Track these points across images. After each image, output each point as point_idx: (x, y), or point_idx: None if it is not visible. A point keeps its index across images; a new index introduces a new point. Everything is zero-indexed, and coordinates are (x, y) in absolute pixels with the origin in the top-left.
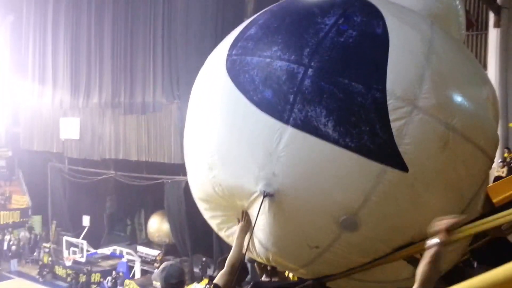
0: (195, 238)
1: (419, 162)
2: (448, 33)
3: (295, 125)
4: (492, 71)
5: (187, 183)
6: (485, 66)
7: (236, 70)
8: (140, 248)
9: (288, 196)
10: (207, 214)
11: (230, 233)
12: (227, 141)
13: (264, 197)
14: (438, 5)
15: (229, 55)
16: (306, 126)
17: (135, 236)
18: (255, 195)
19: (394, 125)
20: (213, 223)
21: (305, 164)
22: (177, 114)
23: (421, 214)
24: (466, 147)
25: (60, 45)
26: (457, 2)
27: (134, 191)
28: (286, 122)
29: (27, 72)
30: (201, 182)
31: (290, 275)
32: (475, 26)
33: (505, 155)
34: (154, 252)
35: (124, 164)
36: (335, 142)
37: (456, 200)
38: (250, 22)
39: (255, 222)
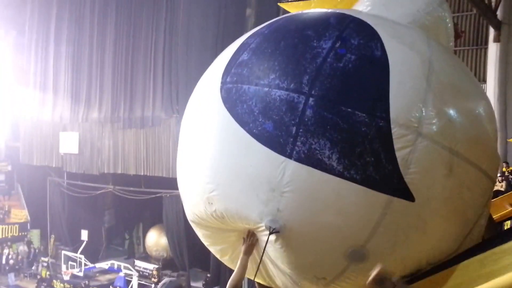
0: (193, 252)
1: (425, 190)
2: (441, 45)
3: (299, 159)
4: (492, 85)
5: None
6: (484, 80)
7: (232, 100)
8: (138, 263)
9: (294, 231)
10: (207, 241)
11: (235, 257)
12: (227, 176)
13: (270, 233)
14: (427, 17)
15: (223, 83)
16: (310, 159)
17: (133, 250)
18: (261, 228)
19: (399, 154)
20: (215, 250)
21: (310, 198)
22: (176, 128)
23: (428, 241)
24: (470, 171)
25: (61, 60)
26: (446, 14)
27: (132, 205)
28: (289, 156)
29: (28, 87)
30: (199, 214)
31: None
32: (473, 40)
33: (504, 169)
34: (152, 266)
35: (123, 178)
36: (340, 175)
37: (461, 224)
38: (241, 45)
39: (262, 254)
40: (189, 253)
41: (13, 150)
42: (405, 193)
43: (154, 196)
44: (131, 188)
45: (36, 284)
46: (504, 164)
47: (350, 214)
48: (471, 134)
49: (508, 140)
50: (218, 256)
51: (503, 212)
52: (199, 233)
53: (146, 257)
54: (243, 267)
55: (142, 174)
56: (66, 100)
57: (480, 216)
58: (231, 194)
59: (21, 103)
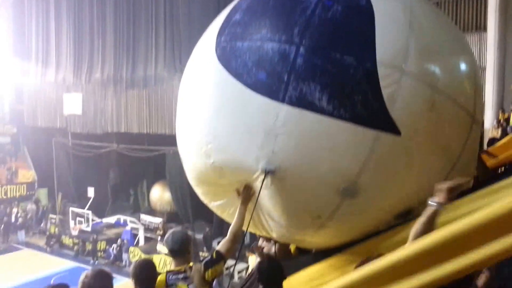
0: (196, 205)
1: (410, 124)
2: None
3: (291, 103)
4: (492, 34)
5: None
6: (484, 28)
7: (227, 57)
8: (143, 217)
9: (289, 172)
10: (207, 198)
11: (233, 211)
12: (223, 126)
13: (265, 174)
14: None
15: (218, 43)
16: (302, 102)
17: (138, 205)
18: (257, 173)
19: (385, 92)
20: (214, 206)
21: (303, 139)
22: (179, 86)
23: (416, 176)
24: (449, 106)
25: (62, 22)
26: None
27: (136, 162)
28: (282, 100)
29: (30, 50)
30: (198, 169)
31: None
32: None
33: (500, 116)
34: (157, 220)
35: (126, 137)
36: (330, 114)
37: (445, 157)
38: (233, 8)
39: (257, 198)
40: (192, 206)
41: (18, 113)
42: (391, 128)
43: (157, 153)
44: (135, 146)
45: (45, 240)
46: (500, 111)
47: (341, 151)
48: (450, 73)
49: (510, 88)
50: (218, 213)
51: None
52: (199, 191)
53: (151, 211)
54: (241, 217)
55: (145, 132)
56: (69, 62)
57: (463, 151)
58: (228, 144)
59: (23, 66)
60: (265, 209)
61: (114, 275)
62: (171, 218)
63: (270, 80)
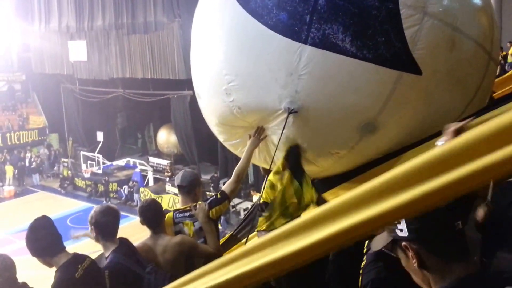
0: (201, 147)
1: (431, 64)
2: None
3: (314, 44)
4: None
5: (191, 97)
6: None
7: None
8: (151, 159)
9: (311, 111)
10: (222, 137)
11: (240, 149)
12: (245, 66)
13: (288, 114)
14: None
15: None
16: (325, 43)
17: (146, 148)
18: (279, 112)
19: (407, 33)
20: (228, 144)
21: (326, 79)
22: (179, 32)
23: (434, 112)
24: (468, 45)
25: None
26: None
27: (142, 107)
28: (305, 42)
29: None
30: (216, 108)
31: None
32: None
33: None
34: (164, 162)
35: (132, 82)
36: (354, 55)
37: (463, 94)
38: None
39: (280, 138)
40: (197, 148)
41: (25, 61)
42: (413, 68)
43: (162, 97)
44: (140, 91)
45: (59, 183)
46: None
47: (363, 91)
48: (470, 12)
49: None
50: (231, 150)
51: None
52: (215, 130)
53: (159, 154)
54: (248, 159)
55: (149, 77)
56: (71, 10)
57: (479, 88)
58: (250, 82)
59: (28, 14)
60: (282, 146)
61: (126, 214)
62: (178, 160)
63: (292, 21)
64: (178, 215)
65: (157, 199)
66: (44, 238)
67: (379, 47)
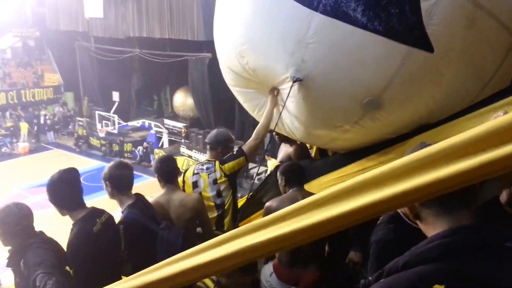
0: (218, 111)
1: (445, 42)
2: None
3: (324, 12)
4: None
5: (210, 59)
6: None
7: None
8: (167, 121)
9: (316, 81)
10: (241, 98)
11: (257, 109)
12: (258, 30)
13: (293, 82)
14: None
15: None
16: (336, 12)
17: (162, 110)
18: (286, 79)
19: (423, 5)
20: (247, 106)
21: (334, 50)
22: None
23: (442, 93)
24: (490, 24)
25: None
26: None
27: (159, 68)
28: (315, 9)
29: None
30: (234, 69)
31: None
32: None
33: None
34: (180, 125)
35: (149, 42)
36: (364, 26)
37: (477, 78)
38: None
39: (285, 103)
40: (214, 112)
41: (40, 16)
42: (425, 44)
43: (179, 59)
44: (157, 52)
45: (74, 141)
46: None
47: (371, 65)
48: None
49: None
50: (250, 112)
51: None
52: (234, 91)
53: (174, 116)
54: (268, 118)
55: (167, 37)
56: None
57: (497, 71)
58: (261, 46)
59: None
60: (291, 112)
61: (140, 174)
62: (193, 123)
63: None
64: (198, 167)
65: None
66: (66, 192)
67: (391, 19)
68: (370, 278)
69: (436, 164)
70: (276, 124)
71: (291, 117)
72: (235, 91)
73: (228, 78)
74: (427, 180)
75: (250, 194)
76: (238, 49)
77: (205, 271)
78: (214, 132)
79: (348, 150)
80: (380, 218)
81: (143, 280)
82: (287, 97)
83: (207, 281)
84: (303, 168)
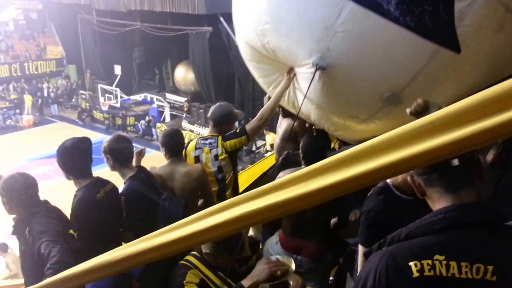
0: (219, 86)
1: (472, 44)
2: None
3: (358, 1)
4: None
5: (211, 33)
6: None
7: None
8: (169, 95)
9: (339, 71)
10: (256, 73)
11: (273, 85)
12: (284, 11)
13: (316, 69)
14: None
15: None
16: (369, 2)
17: (163, 84)
18: (308, 65)
19: (457, 6)
20: (261, 81)
21: (361, 41)
22: None
23: (460, 91)
24: None
25: None
26: None
27: (160, 42)
28: None
29: None
30: (253, 45)
31: None
32: None
33: None
34: (182, 99)
35: (150, 15)
36: (396, 20)
37: (497, 76)
38: None
39: (308, 89)
40: (215, 86)
41: None
42: (453, 44)
43: (180, 33)
44: (159, 25)
45: (77, 114)
46: None
47: (397, 60)
48: None
49: None
50: (264, 87)
51: None
52: (250, 66)
53: (176, 91)
54: (276, 101)
55: (168, 11)
56: None
57: None
58: (286, 29)
59: None
60: (307, 96)
61: (143, 147)
62: (195, 97)
63: None
64: (201, 141)
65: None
66: (76, 160)
67: (424, 16)
68: (360, 246)
69: (434, 132)
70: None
71: (306, 99)
72: (251, 66)
73: (244, 52)
74: (423, 148)
75: (250, 167)
76: (260, 27)
77: (205, 237)
78: (217, 107)
79: (355, 141)
80: (371, 190)
81: (144, 246)
82: (309, 86)
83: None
84: (324, 146)
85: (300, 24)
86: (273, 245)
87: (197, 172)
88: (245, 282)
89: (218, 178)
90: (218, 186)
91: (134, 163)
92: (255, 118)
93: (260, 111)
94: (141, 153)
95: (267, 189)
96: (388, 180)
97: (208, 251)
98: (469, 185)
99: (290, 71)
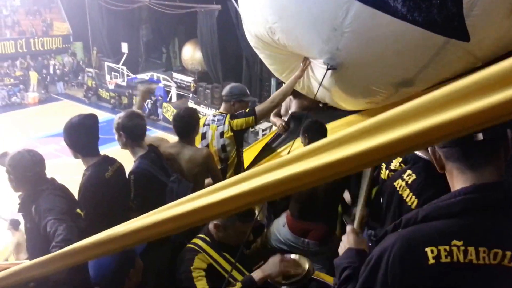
0: (226, 65)
1: (481, 31)
2: None
3: (363, 0)
4: None
5: (220, 12)
6: None
7: None
8: (175, 75)
9: (350, 69)
10: (267, 61)
11: (286, 72)
12: (291, 11)
13: (327, 69)
14: None
15: None
16: (375, 1)
17: (170, 64)
18: (320, 61)
19: None
20: (272, 69)
21: (370, 40)
22: None
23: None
24: None
25: None
26: None
27: (167, 19)
28: None
29: None
30: (263, 38)
31: None
32: None
33: None
34: (189, 79)
35: None
36: (403, 17)
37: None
38: None
39: (320, 84)
40: (222, 66)
41: None
42: (462, 35)
43: (189, 10)
44: (166, 2)
45: (83, 93)
46: None
47: (406, 55)
48: None
49: None
50: (277, 74)
51: None
52: (262, 55)
53: (183, 70)
54: (289, 87)
55: None
56: None
57: None
58: (293, 29)
59: None
60: (324, 86)
61: (149, 128)
62: (202, 77)
63: None
64: (210, 117)
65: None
66: (84, 137)
67: (432, 10)
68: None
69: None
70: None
71: (321, 87)
72: (262, 55)
73: (255, 42)
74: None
75: (253, 144)
76: (269, 25)
77: (216, 210)
78: (229, 85)
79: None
80: None
81: (152, 219)
82: (320, 84)
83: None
84: (325, 127)
85: (307, 24)
86: (280, 228)
87: (201, 157)
88: (256, 275)
89: (221, 157)
90: (221, 165)
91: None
92: (266, 101)
93: (272, 95)
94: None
95: (286, 160)
96: None
97: (219, 222)
98: (492, 162)
99: (305, 60)
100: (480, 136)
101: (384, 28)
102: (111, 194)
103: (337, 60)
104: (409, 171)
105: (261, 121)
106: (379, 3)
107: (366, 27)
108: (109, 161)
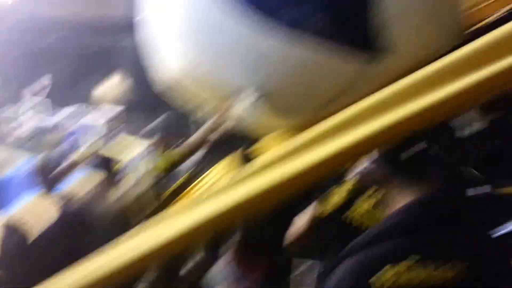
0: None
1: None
2: None
3: (286, 25)
4: None
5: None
6: None
7: None
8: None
9: (277, 96)
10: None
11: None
12: (205, 45)
13: (255, 100)
14: None
15: None
16: (296, 24)
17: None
18: (245, 95)
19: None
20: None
21: (294, 66)
22: None
23: None
24: None
25: None
26: None
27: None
28: (276, 23)
29: None
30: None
31: None
32: None
33: None
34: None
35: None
36: (326, 38)
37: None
38: None
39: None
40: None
41: None
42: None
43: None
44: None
45: None
46: None
47: (331, 78)
48: None
49: None
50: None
51: None
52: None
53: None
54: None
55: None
56: None
57: None
58: (211, 60)
59: None
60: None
61: None
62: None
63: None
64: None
65: None
66: None
67: (354, 29)
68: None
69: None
70: None
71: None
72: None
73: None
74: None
75: None
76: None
77: None
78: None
79: None
80: None
81: None
82: (247, 113)
83: None
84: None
85: (226, 55)
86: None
87: None
88: None
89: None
90: None
91: None
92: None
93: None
94: None
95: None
96: None
97: None
98: (415, 182)
99: (224, 106)
100: (402, 156)
101: (307, 52)
102: None
103: (264, 89)
104: None
105: None
106: (300, 27)
107: (290, 53)
108: None
